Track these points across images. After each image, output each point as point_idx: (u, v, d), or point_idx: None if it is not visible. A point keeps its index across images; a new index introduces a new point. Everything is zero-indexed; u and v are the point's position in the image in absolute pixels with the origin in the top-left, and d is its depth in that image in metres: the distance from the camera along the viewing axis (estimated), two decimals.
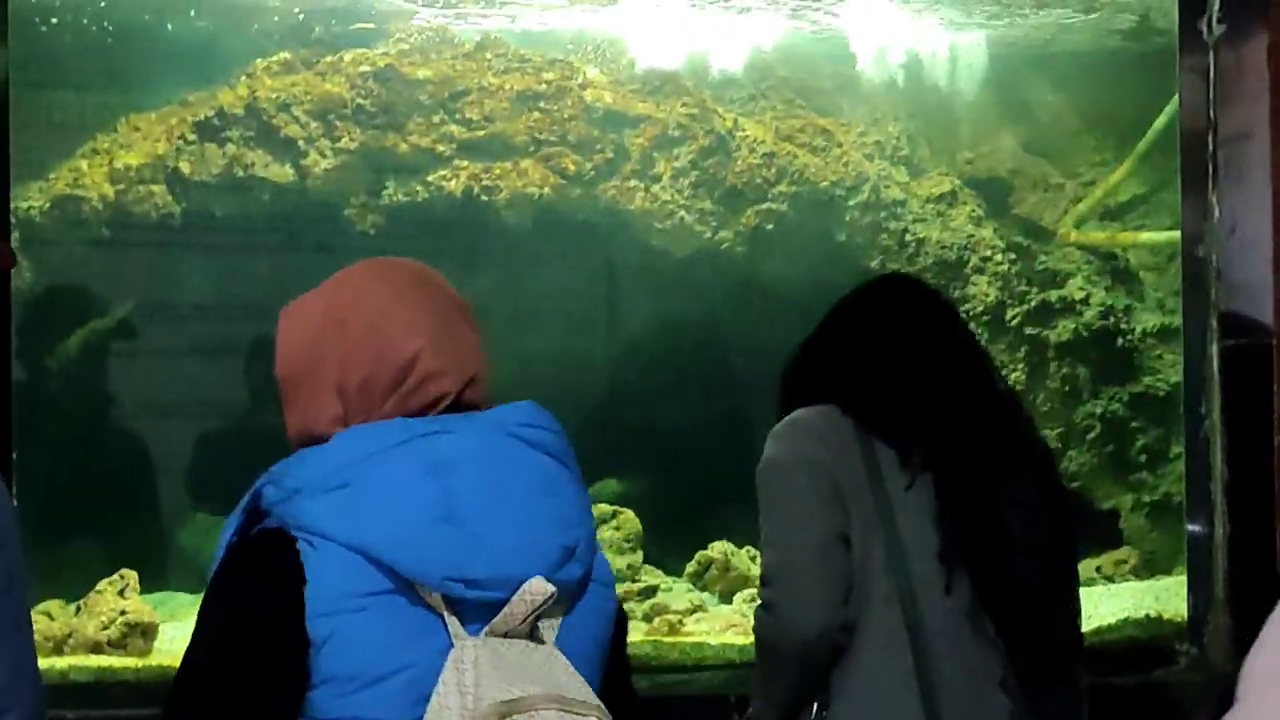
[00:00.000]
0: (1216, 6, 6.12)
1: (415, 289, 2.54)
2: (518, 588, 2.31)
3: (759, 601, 3.34)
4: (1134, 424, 8.28)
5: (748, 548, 7.89)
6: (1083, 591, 7.55)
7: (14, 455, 5.75)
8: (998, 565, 3.32)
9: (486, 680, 2.22)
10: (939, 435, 3.37)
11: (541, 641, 2.34)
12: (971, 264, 8.24)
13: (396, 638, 2.24)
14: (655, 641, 7.14)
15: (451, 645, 2.26)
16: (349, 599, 2.21)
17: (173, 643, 6.67)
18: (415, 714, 2.22)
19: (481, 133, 7.97)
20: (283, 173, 7.81)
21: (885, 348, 3.45)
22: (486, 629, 2.29)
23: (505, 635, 2.29)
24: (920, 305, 3.56)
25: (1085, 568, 7.97)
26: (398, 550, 2.24)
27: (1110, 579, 7.99)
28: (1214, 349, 6.30)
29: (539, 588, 2.33)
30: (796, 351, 3.57)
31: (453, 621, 2.27)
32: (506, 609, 2.30)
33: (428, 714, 2.21)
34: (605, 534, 7.99)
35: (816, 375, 3.46)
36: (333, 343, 2.35)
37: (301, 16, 8.17)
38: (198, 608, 2.24)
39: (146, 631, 6.86)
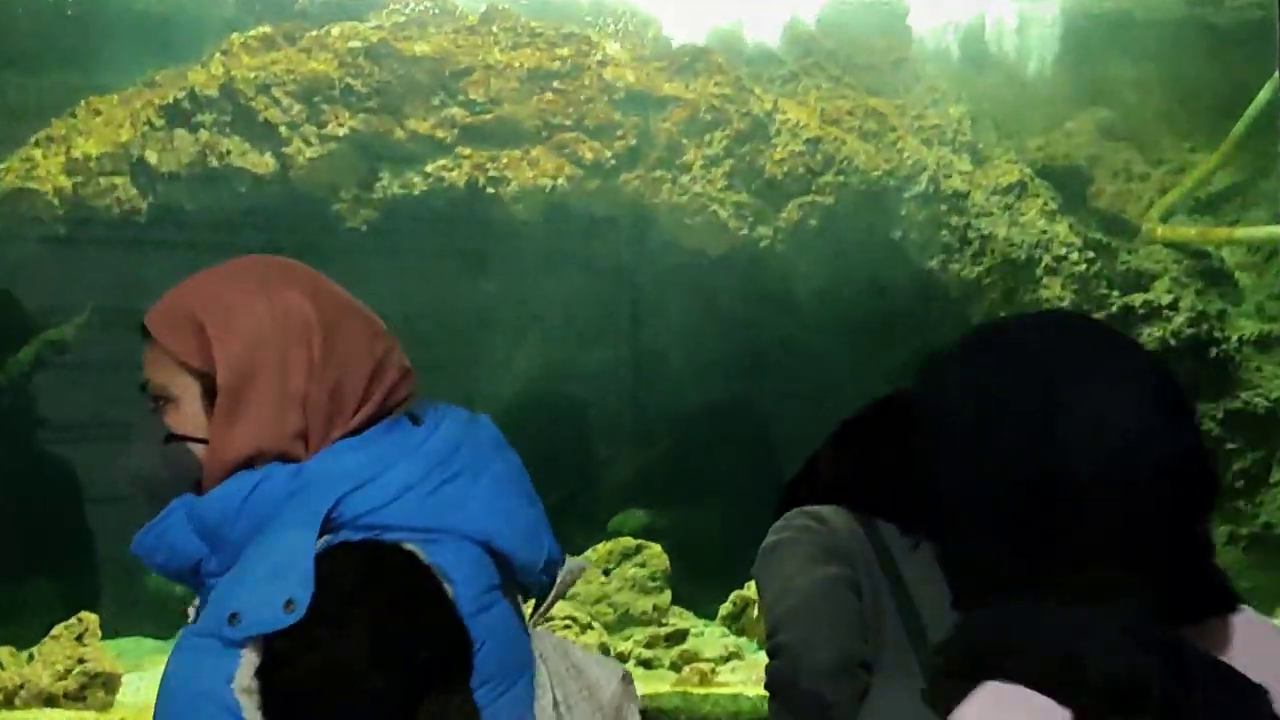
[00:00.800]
0: None
1: (341, 289, 2.56)
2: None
3: (768, 660, 3.45)
4: (1230, 445, 8.24)
5: None
6: None
7: None
8: None
9: (585, 664, 2.43)
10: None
11: None
12: (1044, 264, 8.21)
13: (518, 632, 2.37)
14: (684, 693, 7.13)
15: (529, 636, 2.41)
16: (486, 595, 2.31)
17: (138, 694, 6.67)
18: (530, 714, 2.35)
19: (487, 116, 7.97)
20: (262, 162, 7.82)
21: (886, 450, 3.66)
22: (536, 614, 2.45)
23: None
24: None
25: None
26: (513, 538, 2.37)
27: None
28: None
29: (580, 565, 2.51)
30: (800, 468, 3.81)
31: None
32: (555, 591, 2.46)
33: (557, 710, 2.37)
34: (629, 571, 8.00)
35: (815, 484, 3.68)
36: (295, 349, 2.34)
37: None
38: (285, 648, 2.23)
39: (108, 682, 6.87)
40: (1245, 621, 2.06)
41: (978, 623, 2.03)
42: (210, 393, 2.37)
